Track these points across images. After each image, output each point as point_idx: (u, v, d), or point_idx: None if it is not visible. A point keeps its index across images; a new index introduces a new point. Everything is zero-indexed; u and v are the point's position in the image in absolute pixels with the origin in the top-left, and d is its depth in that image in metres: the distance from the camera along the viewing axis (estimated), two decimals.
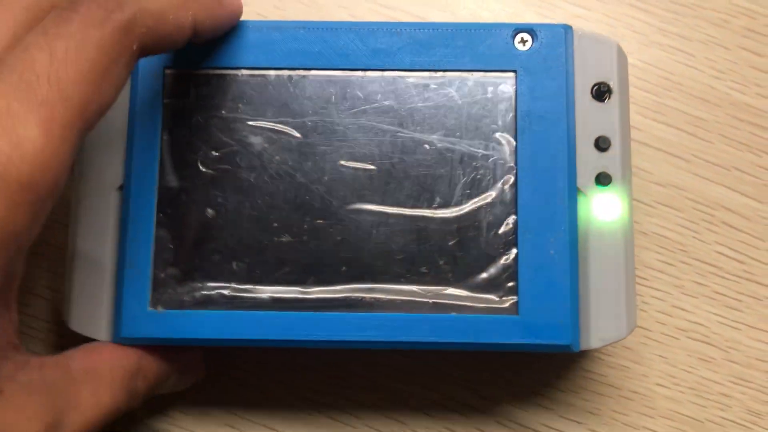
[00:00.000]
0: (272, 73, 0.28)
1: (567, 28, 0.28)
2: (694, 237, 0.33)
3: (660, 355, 0.32)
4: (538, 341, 0.26)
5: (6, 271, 0.21)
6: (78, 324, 0.27)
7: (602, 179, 0.27)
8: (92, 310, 0.27)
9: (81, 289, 0.28)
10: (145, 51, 0.23)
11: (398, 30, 0.28)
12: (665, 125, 0.34)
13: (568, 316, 0.26)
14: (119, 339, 0.27)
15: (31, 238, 0.21)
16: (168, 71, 0.28)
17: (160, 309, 0.27)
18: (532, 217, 0.27)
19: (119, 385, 0.25)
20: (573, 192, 0.27)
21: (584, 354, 0.32)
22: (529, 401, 0.32)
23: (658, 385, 0.32)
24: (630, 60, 0.35)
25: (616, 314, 0.27)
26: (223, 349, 0.32)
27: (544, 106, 0.27)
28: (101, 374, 0.25)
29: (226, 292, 0.27)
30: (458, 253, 0.27)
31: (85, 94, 0.21)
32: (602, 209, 0.27)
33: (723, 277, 0.33)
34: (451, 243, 0.27)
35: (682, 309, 0.33)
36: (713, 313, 0.33)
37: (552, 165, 0.27)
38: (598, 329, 0.27)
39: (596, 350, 0.27)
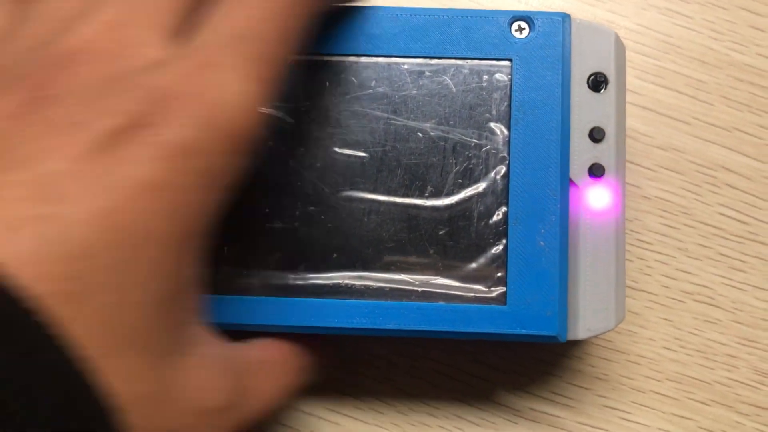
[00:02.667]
0: None
1: (565, 17, 0.28)
2: (696, 199, 0.33)
3: (666, 319, 0.33)
4: (524, 331, 0.26)
5: (219, 216, 0.21)
6: None
7: (595, 170, 0.27)
8: None
9: None
10: (320, 10, 0.24)
11: (394, 15, 0.28)
12: (665, 88, 0.34)
13: (556, 307, 0.26)
14: None
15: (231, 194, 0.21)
16: None
17: None
18: (523, 207, 0.27)
19: (285, 382, 0.26)
20: (565, 183, 0.27)
21: None
22: (535, 368, 0.32)
23: (664, 348, 0.32)
24: (627, 24, 0.34)
25: (605, 306, 0.27)
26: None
27: (540, 96, 0.27)
28: (275, 368, 0.26)
29: (215, 275, 0.27)
30: (448, 242, 0.27)
31: (280, 54, 0.22)
32: (594, 201, 0.27)
33: (727, 239, 0.33)
34: (441, 232, 0.27)
35: (687, 272, 0.33)
36: (718, 275, 0.33)
37: (545, 156, 0.27)
38: (586, 320, 0.27)
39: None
